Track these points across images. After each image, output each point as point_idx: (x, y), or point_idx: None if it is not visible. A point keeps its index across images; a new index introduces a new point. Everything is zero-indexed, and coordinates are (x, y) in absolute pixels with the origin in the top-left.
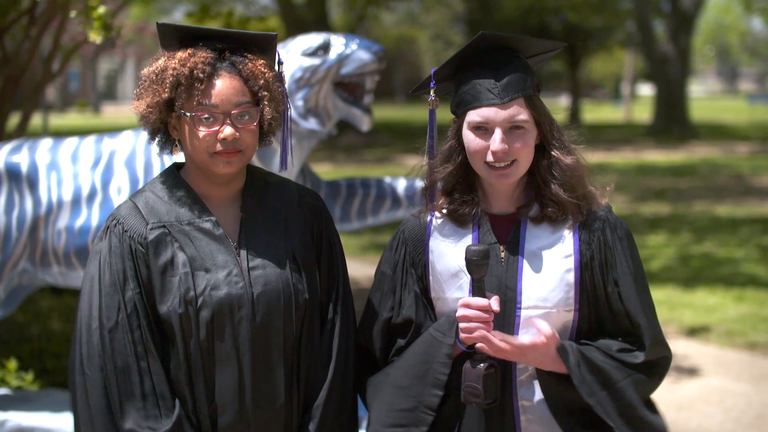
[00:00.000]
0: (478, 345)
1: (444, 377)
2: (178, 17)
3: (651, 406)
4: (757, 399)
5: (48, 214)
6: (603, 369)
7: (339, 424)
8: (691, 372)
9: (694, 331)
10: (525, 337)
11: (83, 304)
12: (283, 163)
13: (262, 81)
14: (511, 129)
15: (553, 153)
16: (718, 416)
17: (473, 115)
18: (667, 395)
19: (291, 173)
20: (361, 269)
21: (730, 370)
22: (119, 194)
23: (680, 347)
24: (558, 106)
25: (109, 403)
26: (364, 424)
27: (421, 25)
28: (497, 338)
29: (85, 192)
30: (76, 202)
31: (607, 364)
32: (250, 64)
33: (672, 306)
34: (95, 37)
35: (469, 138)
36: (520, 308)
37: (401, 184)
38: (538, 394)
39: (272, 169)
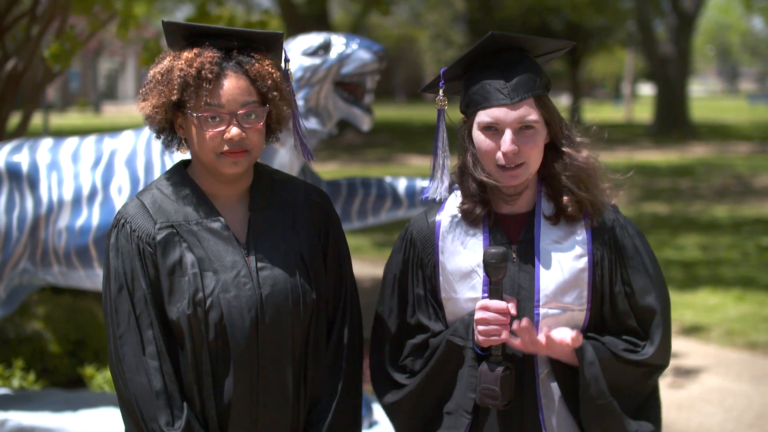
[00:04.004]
0: (486, 340)
1: (475, 380)
2: (180, 17)
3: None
4: (757, 399)
5: (48, 213)
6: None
7: (347, 428)
8: (692, 372)
9: (694, 331)
10: (556, 333)
11: (103, 309)
12: (307, 155)
13: (270, 81)
14: (521, 129)
15: (565, 150)
16: (719, 416)
17: (483, 116)
18: (667, 395)
19: (292, 172)
20: (361, 269)
21: (731, 370)
22: (120, 194)
23: (681, 347)
24: (558, 106)
25: (132, 408)
26: (365, 423)
27: (421, 25)
28: (527, 335)
29: (85, 192)
30: (76, 201)
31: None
32: (257, 64)
33: (672, 306)
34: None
35: (479, 139)
36: (537, 306)
37: (402, 184)
38: (559, 391)
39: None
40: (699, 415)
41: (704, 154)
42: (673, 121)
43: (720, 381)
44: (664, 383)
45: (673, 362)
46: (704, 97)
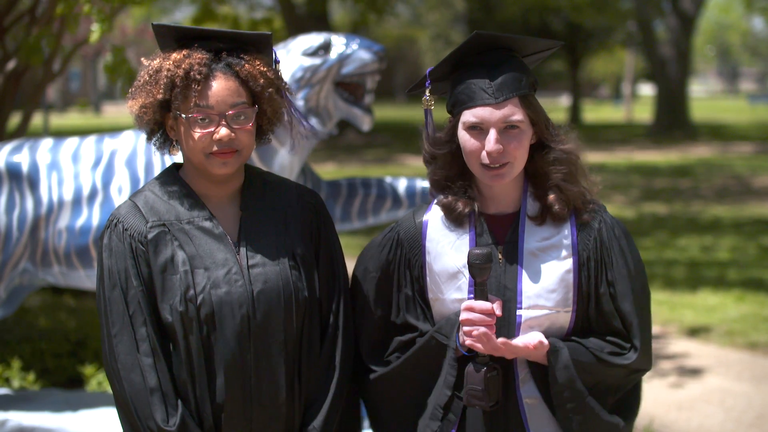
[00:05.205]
0: (471, 344)
1: (453, 378)
2: (180, 18)
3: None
4: (757, 399)
5: (49, 213)
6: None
7: (340, 426)
8: (692, 372)
9: (694, 331)
10: (519, 339)
11: (97, 308)
12: (303, 126)
13: (263, 80)
14: (506, 129)
15: (552, 146)
16: (719, 416)
17: (468, 115)
18: (667, 395)
19: (292, 173)
20: None
21: (731, 370)
22: (120, 194)
23: (681, 347)
24: (558, 106)
25: (127, 406)
26: (365, 423)
27: (421, 25)
28: (495, 339)
29: (85, 192)
30: (76, 201)
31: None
32: (247, 65)
33: (673, 306)
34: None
35: (465, 138)
36: (520, 308)
37: (402, 184)
38: (538, 392)
39: (272, 169)
40: (699, 415)
41: (704, 154)
42: (673, 121)
43: (720, 381)
44: (665, 383)
45: (673, 362)
46: (704, 97)
